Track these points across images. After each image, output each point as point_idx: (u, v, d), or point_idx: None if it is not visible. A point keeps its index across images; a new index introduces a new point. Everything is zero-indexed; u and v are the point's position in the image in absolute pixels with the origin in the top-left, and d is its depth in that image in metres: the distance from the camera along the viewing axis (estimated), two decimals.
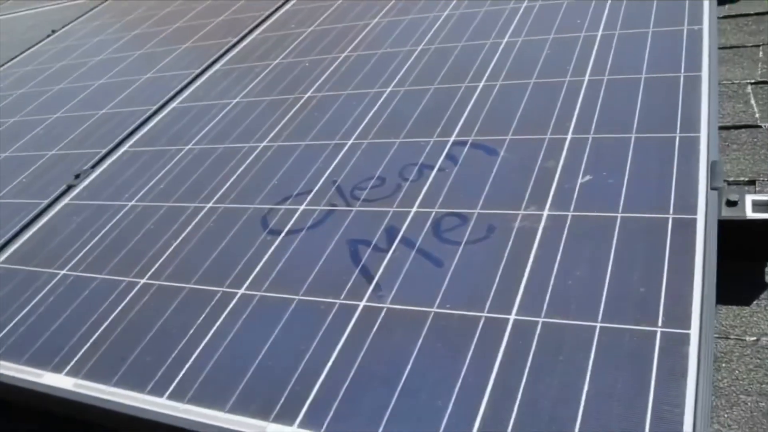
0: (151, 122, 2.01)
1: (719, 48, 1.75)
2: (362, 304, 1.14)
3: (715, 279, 1.00)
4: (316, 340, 1.10)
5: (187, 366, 1.14)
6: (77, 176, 1.85)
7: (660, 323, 0.95)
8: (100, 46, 2.92)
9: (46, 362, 1.26)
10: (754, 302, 1.13)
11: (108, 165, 1.87)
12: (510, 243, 1.17)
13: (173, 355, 1.17)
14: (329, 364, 1.06)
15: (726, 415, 0.98)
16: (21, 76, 2.91)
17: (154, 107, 2.10)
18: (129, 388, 1.14)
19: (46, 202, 1.80)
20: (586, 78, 1.52)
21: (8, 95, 2.74)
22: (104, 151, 1.94)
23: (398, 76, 1.80)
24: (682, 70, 1.45)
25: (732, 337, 1.09)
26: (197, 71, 2.24)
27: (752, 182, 1.35)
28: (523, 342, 0.99)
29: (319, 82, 1.91)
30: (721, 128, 1.50)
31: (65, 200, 1.77)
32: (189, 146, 1.81)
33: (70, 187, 1.82)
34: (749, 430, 0.95)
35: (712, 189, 1.13)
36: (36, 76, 2.83)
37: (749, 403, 0.99)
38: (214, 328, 1.20)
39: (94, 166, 1.88)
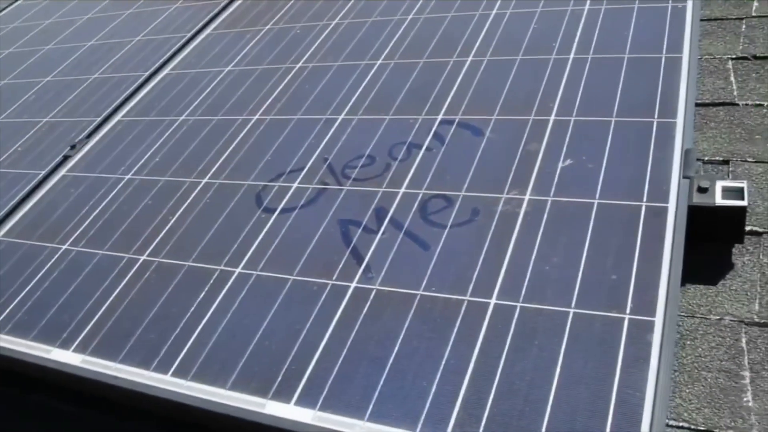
0: (144, 90, 2.04)
1: (702, 20, 1.78)
2: (353, 285, 1.21)
3: (681, 267, 1.07)
4: (310, 321, 1.18)
5: (189, 344, 1.22)
6: (73, 147, 1.89)
7: (628, 310, 1.03)
8: (87, 4, 2.90)
9: (53, 338, 1.33)
10: (720, 282, 1.20)
11: (103, 135, 1.91)
12: (493, 227, 1.23)
13: (176, 333, 1.24)
14: (322, 344, 1.13)
15: (687, 390, 1.07)
16: (6, 35, 2.90)
17: (146, 74, 2.12)
18: (135, 365, 1.21)
19: (43, 173, 1.84)
20: (571, 56, 1.56)
21: None
22: (98, 120, 1.98)
23: (388, 48, 1.83)
24: (664, 51, 1.49)
25: (698, 315, 1.17)
26: (188, 35, 2.26)
27: (726, 162, 1.41)
28: (502, 326, 1.07)
29: (311, 51, 1.94)
30: (699, 105, 1.55)
31: (62, 171, 1.82)
32: (183, 117, 1.85)
33: (66, 158, 1.87)
34: (708, 404, 1.04)
35: (685, 178, 1.19)
36: (22, 35, 2.82)
37: (709, 379, 1.07)
38: (214, 306, 1.27)
39: (89, 136, 1.92)
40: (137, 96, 2.02)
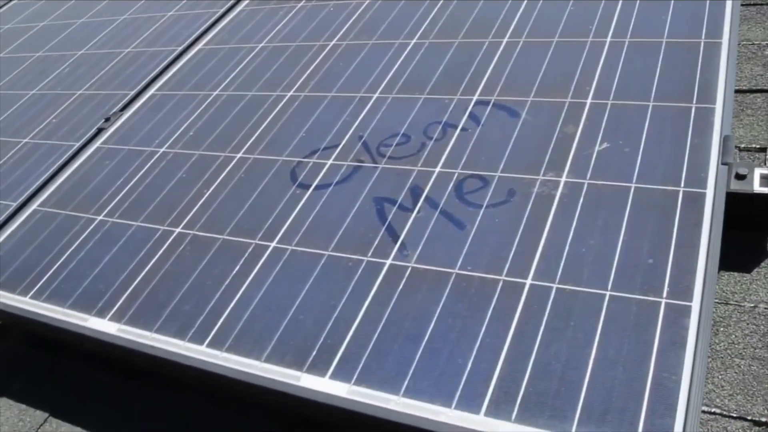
0: (178, 64, 2.05)
1: (742, 5, 1.76)
2: (388, 262, 1.23)
3: (718, 254, 1.07)
4: (345, 296, 1.19)
5: (224, 316, 1.23)
6: (107, 119, 1.91)
7: (665, 294, 1.03)
8: None
9: (89, 307, 1.36)
10: (755, 270, 1.20)
11: (136, 108, 1.92)
12: (528, 208, 1.24)
13: (211, 305, 1.26)
14: (358, 319, 1.15)
15: (720, 377, 1.07)
16: (38, 9, 2.92)
17: (180, 48, 2.13)
18: (170, 335, 1.24)
19: (77, 145, 1.86)
20: (608, 39, 1.55)
21: (30, 27, 2.76)
22: (132, 93, 1.99)
23: (422, 27, 1.82)
24: (703, 36, 1.47)
25: (732, 302, 1.17)
26: (221, 11, 2.26)
27: (763, 149, 1.40)
28: (537, 306, 1.08)
29: (345, 29, 1.94)
30: (737, 92, 1.54)
31: (96, 143, 1.84)
32: (216, 92, 1.86)
33: (100, 131, 1.89)
34: (740, 391, 1.05)
35: (723, 164, 1.18)
36: (55, 9, 2.84)
37: (742, 366, 1.08)
38: (249, 280, 1.29)
39: (123, 109, 1.94)
40: (171, 70, 2.04)
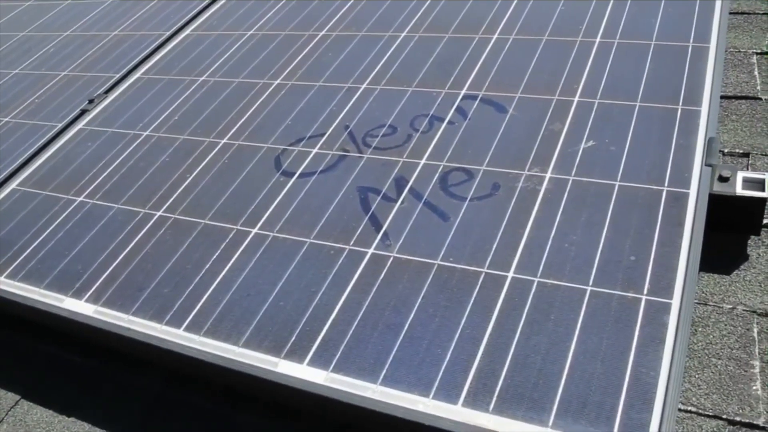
0: (165, 48, 2.03)
1: (730, 13, 1.78)
2: (370, 251, 1.22)
3: (699, 253, 1.07)
4: (325, 284, 1.18)
5: (202, 300, 1.22)
6: (91, 101, 1.89)
7: (645, 291, 1.03)
8: None
9: (66, 288, 1.34)
10: (734, 272, 1.21)
11: (121, 91, 1.90)
12: (513, 202, 1.23)
13: (189, 289, 1.25)
14: (338, 307, 1.14)
15: (697, 376, 1.08)
16: None
17: (168, 33, 2.11)
18: (148, 318, 1.22)
19: (60, 125, 1.84)
20: (598, 39, 1.56)
21: (14, 6, 2.72)
22: (118, 76, 1.97)
23: (413, 21, 1.82)
24: (691, 40, 1.48)
25: (711, 303, 1.17)
26: None
27: (746, 154, 1.41)
28: (518, 299, 1.08)
29: (335, 19, 1.93)
30: (722, 97, 1.55)
31: (79, 125, 1.82)
32: (203, 77, 1.84)
33: (84, 112, 1.86)
34: (717, 390, 1.05)
35: (707, 165, 1.19)
36: None
37: (719, 366, 1.08)
38: (229, 264, 1.28)
39: (107, 92, 1.92)
40: (158, 54, 2.01)
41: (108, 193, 1.54)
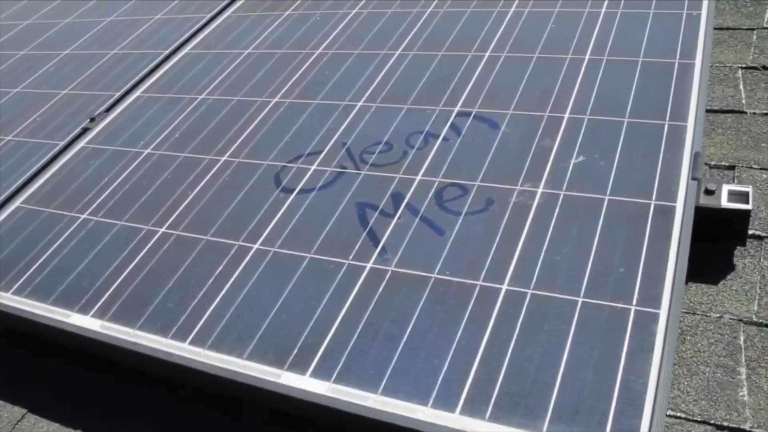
0: (164, 67, 2.08)
1: (715, 29, 1.83)
2: (369, 265, 1.26)
3: (686, 264, 1.12)
4: (326, 298, 1.22)
5: (207, 314, 1.26)
6: (92, 119, 1.93)
7: (634, 302, 1.08)
8: None
9: (72, 303, 1.37)
10: (721, 282, 1.25)
11: (122, 109, 1.94)
12: (506, 217, 1.28)
13: (194, 304, 1.28)
14: (338, 320, 1.18)
15: (686, 383, 1.12)
16: (25, 6, 2.92)
17: (167, 51, 2.15)
18: (153, 332, 1.26)
19: (62, 144, 1.87)
20: (587, 57, 1.61)
21: (14, 25, 2.76)
22: (118, 94, 2.01)
23: (407, 39, 1.86)
24: (677, 57, 1.53)
25: (698, 312, 1.22)
26: (208, 16, 2.29)
27: (732, 167, 1.46)
28: (512, 311, 1.12)
29: (331, 38, 1.98)
30: (708, 111, 1.60)
31: (81, 143, 1.85)
32: (202, 96, 1.88)
33: (85, 130, 1.90)
34: (705, 396, 1.09)
35: (693, 179, 1.24)
36: (42, 7, 2.84)
37: (707, 374, 1.12)
38: (232, 279, 1.31)
39: (108, 110, 1.95)
40: (157, 73, 2.06)
41: (111, 210, 1.58)
